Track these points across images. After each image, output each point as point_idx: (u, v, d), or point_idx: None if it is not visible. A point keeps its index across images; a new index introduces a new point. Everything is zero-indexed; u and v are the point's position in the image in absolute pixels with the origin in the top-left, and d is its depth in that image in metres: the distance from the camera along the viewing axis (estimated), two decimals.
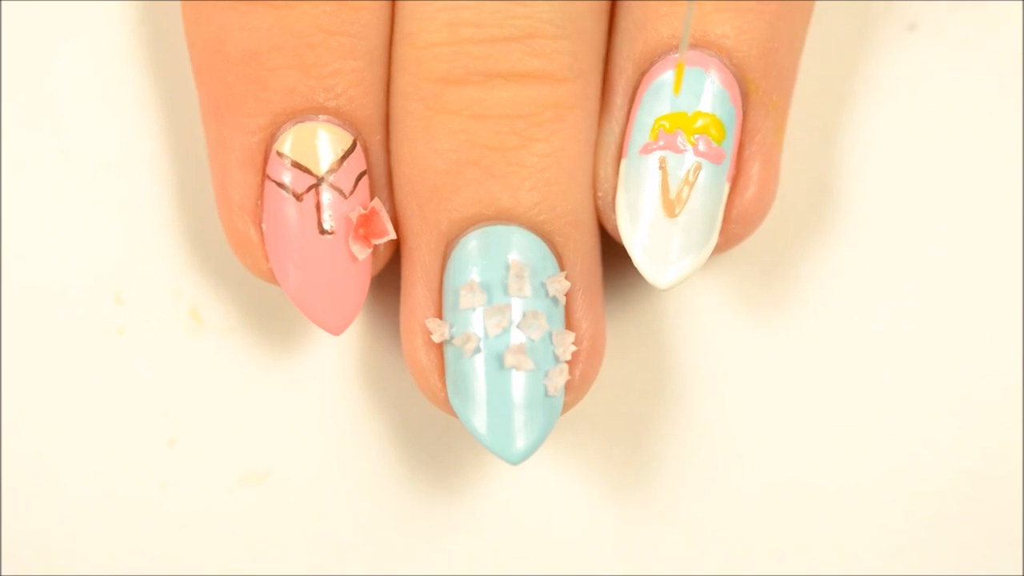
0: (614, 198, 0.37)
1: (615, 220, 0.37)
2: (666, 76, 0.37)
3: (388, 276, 0.40)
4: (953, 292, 0.41)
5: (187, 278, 0.41)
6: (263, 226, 0.37)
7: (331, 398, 0.41)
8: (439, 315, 0.37)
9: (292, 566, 0.41)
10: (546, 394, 0.37)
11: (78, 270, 0.41)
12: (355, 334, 0.41)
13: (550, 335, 0.37)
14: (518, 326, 0.36)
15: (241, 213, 0.38)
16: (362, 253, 0.37)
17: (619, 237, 0.37)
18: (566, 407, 0.38)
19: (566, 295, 0.37)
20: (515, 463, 0.37)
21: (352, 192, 0.37)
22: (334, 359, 0.42)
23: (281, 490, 0.41)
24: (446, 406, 0.37)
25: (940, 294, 0.41)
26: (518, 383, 0.36)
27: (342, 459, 0.41)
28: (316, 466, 0.41)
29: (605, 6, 0.38)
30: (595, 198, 0.38)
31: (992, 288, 0.41)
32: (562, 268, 0.37)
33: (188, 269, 0.42)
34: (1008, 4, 0.42)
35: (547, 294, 0.37)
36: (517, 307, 0.37)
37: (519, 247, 0.37)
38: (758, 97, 0.37)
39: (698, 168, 0.36)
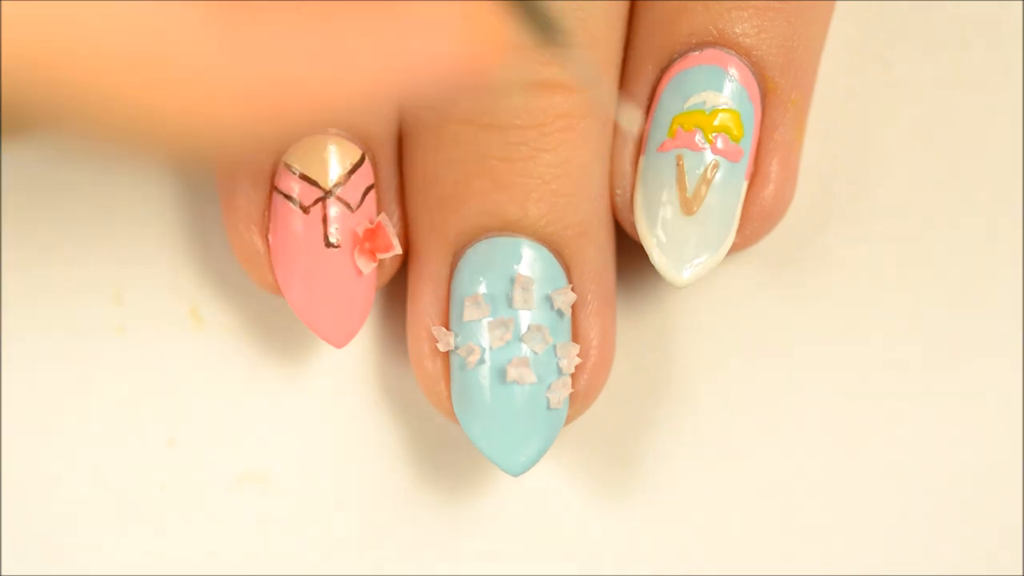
0: (632, 196, 0.37)
1: (632, 218, 0.37)
2: (685, 74, 0.37)
3: (393, 279, 0.40)
4: (954, 292, 0.42)
5: (187, 278, 0.41)
6: (269, 238, 0.37)
7: (331, 398, 0.41)
8: (446, 323, 0.37)
9: (292, 566, 0.41)
10: (548, 407, 0.37)
11: (78, 269, 0.41)
12: (357, 335, 0.41)
13: (554, 347, 0.37)
14: (522, 339, 0.37)
15: (248, 224, 0.37)
16: (367, 267, 0.37)
17: (636, 235, 0.37)
18: (570, 418, 0.38)
19: (573, 306, 0.37)
20: (515, 475, 0.37)
21: (359, 206, 0.37)
22: (334, 359, 0.41)
23: (281, 490, 0.41)
24: (451, 414, 0.38)
25: (942, 295, 0.41)
26: (520, 396, 0.37)
27: (342, 459, 0.41)
28: (316, 466, 0.41)
29: (622, 8, 0.38)
30: (610, 202, 0.38)
31: (993, 287, 0.42)
32: (570, 279, 0.37)
33: (188, 268, 0.41)
34: (1008, 4, 0.42)
35: (552, 307, 0.37)
36: (522, 320, 0.37)
37: (526, 258, 0.37)
38: (777, 95, 0.37)
39: (716, 166, 0.36)
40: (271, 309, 0.41)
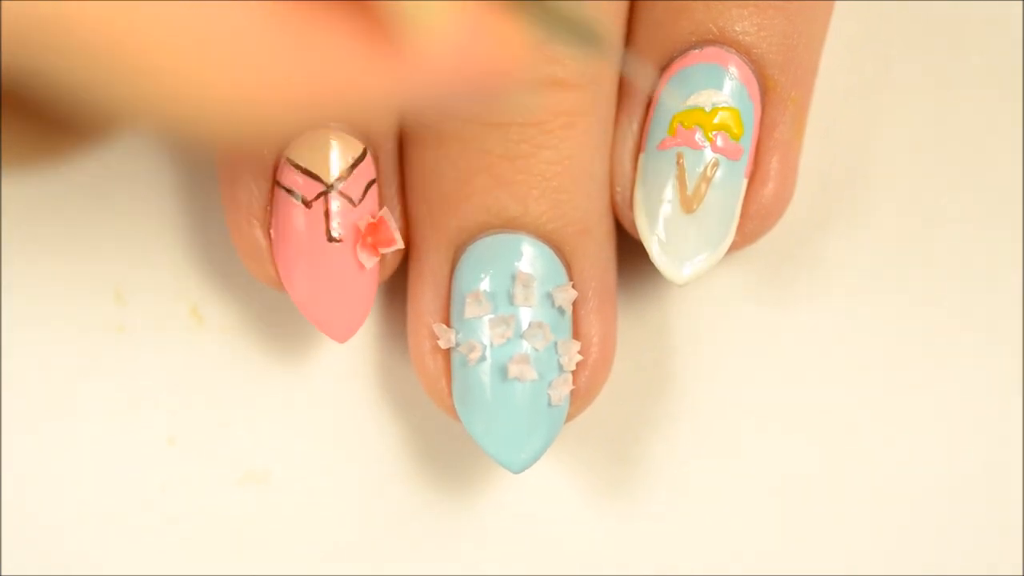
0: (632, 194, 0.37)
1: (632, 216, 0.37)
2: (685, 72, 0.37)
3: (393, 277, 0.40)
4: (954, 292, 0.42)
5: (188, 276, 0.41)
6: (271, 232, 0.37)
7: (332, 397, 0.41)
8: (446, 320, 0.37)
9: (292, 566, 0.41)
10: (549, 404, 0.37)
11: (78, 268, 0.41)
12: (357, 333, 0.41)
13: (555, 345, 0.37)
14: (523, 336, 0.37)
15: (249, 218, 0.37)
16: (369, 262, 0.37)
17: (636, 233, 0.37)
18: (571, 415, 0.38)
19: (574, 303, 0.37)
20: (517, 472, 0.37)
21: (361, 200, 0.37)
22: (335, 358, 0.41)
23: (281, 490, 0.41)
24: (452, 412, 0.38)
25: (942, 295, 0.41)
26: (521, 393, 0.37)
27: (342, 459, 0.41)
28: (317, 466, 0.41)
29: (623, 7, 0.38)
30: (610, 199, 0.38)
31: (993, 287, 0.42)
32: (571, 276, 0.37)
33: (189, 267, 0.41)
34: (1008, 4, 0.42)
35: (553, 304, 0.37)
36: (522, 317, 0.37)
37: (527, 256, 0.37)
38: (776, 94, 0.37)
39: (715, 164, 0.36)
40: (272, 308, 0.41)
